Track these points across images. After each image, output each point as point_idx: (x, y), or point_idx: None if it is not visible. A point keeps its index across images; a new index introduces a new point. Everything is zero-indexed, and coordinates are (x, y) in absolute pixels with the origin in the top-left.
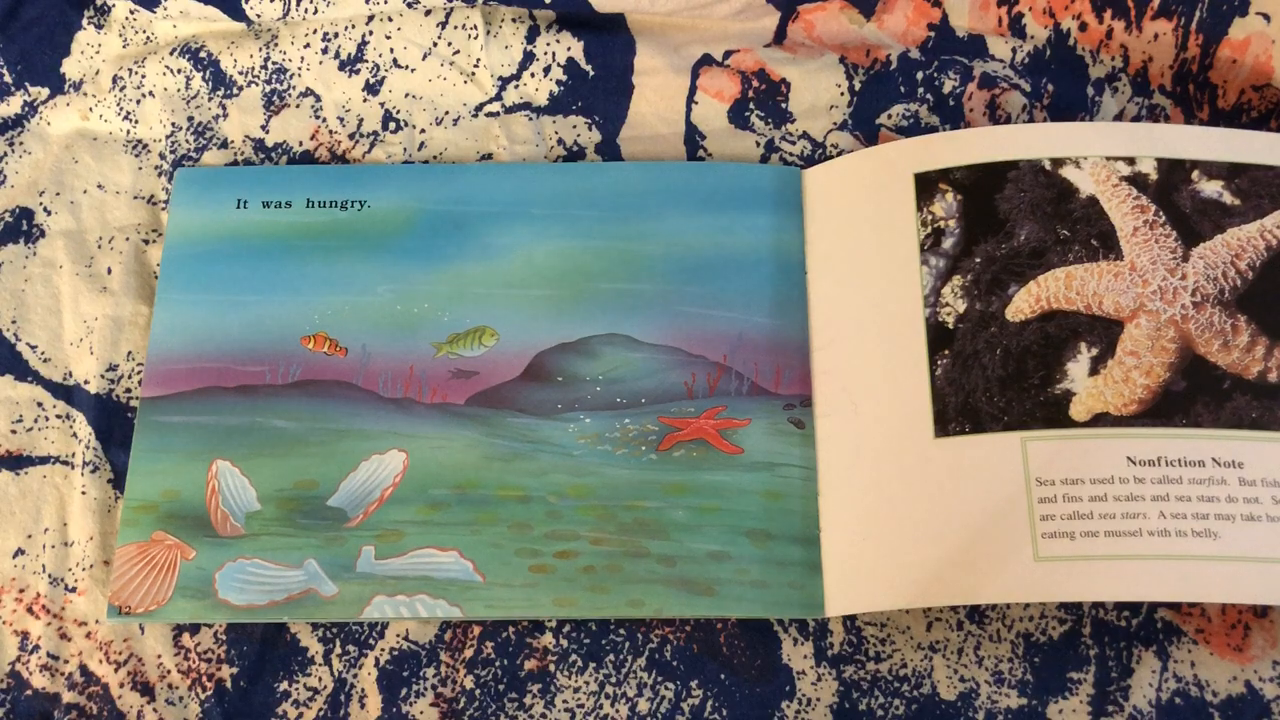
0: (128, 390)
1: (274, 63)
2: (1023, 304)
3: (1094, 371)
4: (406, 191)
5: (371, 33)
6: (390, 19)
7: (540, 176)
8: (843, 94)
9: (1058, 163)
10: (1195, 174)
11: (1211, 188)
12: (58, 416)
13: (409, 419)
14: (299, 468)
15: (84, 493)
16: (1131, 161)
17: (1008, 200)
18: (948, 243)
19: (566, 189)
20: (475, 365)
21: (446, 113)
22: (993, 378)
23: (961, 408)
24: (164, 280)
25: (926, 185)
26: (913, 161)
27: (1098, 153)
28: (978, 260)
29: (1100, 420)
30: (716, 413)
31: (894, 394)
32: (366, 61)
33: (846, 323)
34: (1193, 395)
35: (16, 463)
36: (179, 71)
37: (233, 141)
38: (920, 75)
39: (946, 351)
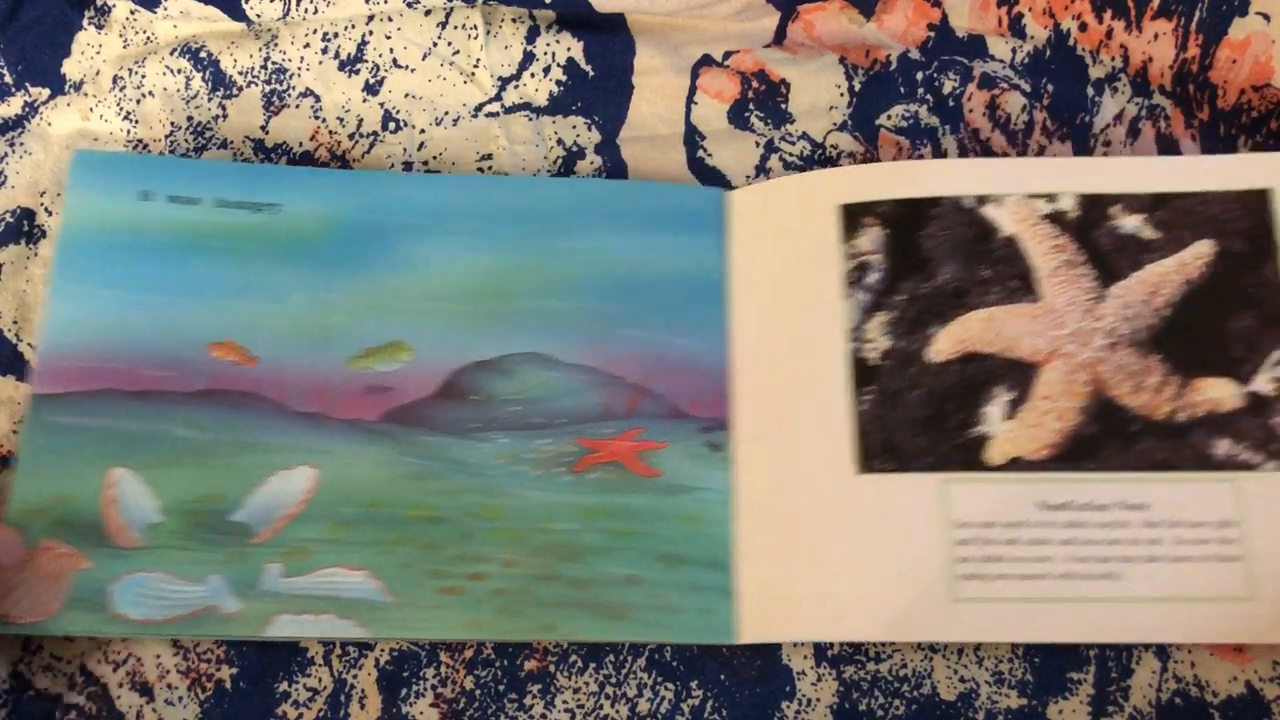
0: None
1: (274, 63)
2: (944, 344)
3: (1010, 415)
4: (323, 197)
5: (371, 33)
6: (390, 19)
7: (464, 189)
8: (842, 94)
9: (980, 200)
10: (1116, 209)
11: (1131, 222)
12: None
13: (319, 434)
14: (204, 480)
15: None
16: (1052, 199)
17: (931, 238)
18: (873, 278)
19: (490, 203)
20: (389, 381)
21: (446, 113)
22: (915, 418)
23: (885, 446)
24: (59, 269)
25: (853, 217)
26: (839, 192)
27: (1019, 190)
28: (902, 297)
29: (1014, 464)
30: (634, 435)
31: (815, 426)
32: (366, 61)
33: (768, 349)
34: (1102, 438)
35: None
36: (179, 72)
37: (232, 142)
38: (920, 76)
39: (870, 388)
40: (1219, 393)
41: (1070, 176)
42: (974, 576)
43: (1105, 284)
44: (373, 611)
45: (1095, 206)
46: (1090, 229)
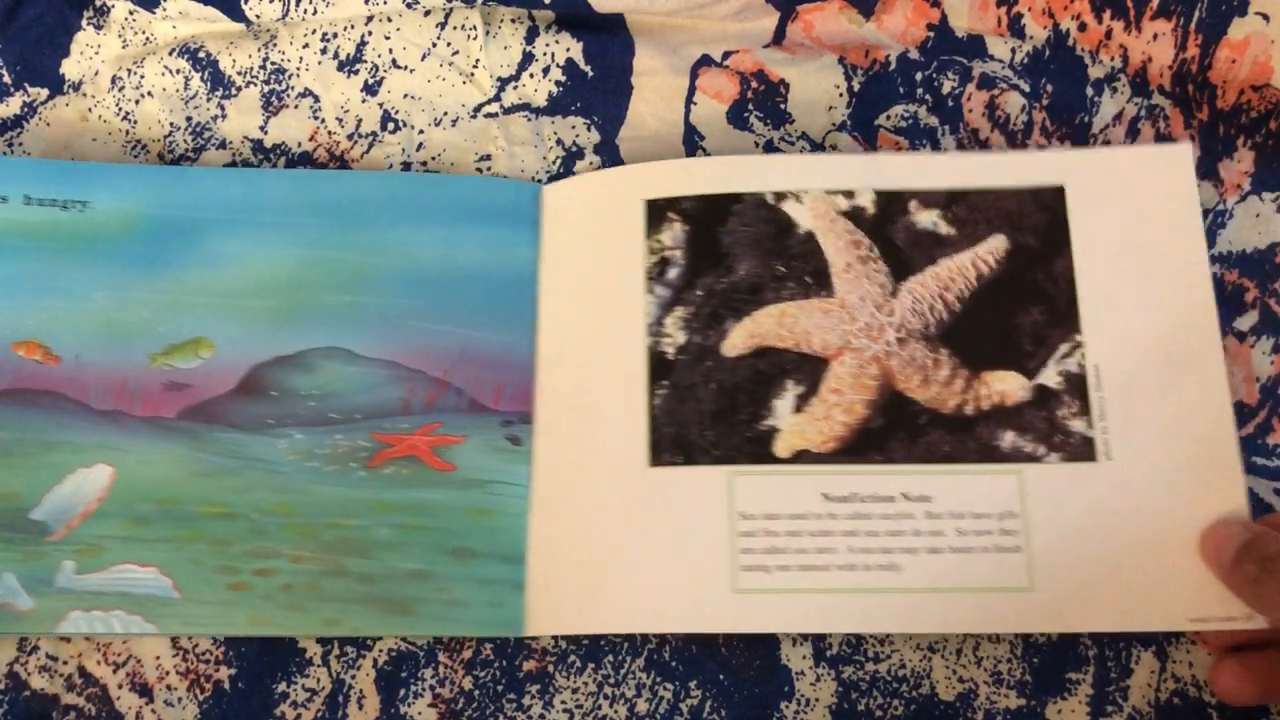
0: None
1: (273, 63)
2: (737, 339)
3: (798, 409)
4: (131, 193)
5: (370, 33)
6: (389, 19)
7: (271, 183)
8: (841, 95)
9: (780, 197)
10: (913, 204)
11: (927, 218)
12: None
13: (118, 432)
14: (4, 479)
15: None
16: (851, 195)
17: (730, 234)
18: (673, 273)
19: (298, 197)
20: (189, 378)
21: (445, 113)
22: (706, 411)
23: (675, 439)
24: None
25: (657, 212)
26: (645, 187)
27: (819, 186)
28: (699, 293)
29: (801, 457)
30: (431, 429)
31: (613, 419)
32: (365, 62)
33: (573, 343)
34: (889, 432)
35: None
36: (178, 72)
37: (231, 142)
38: (919, 76)
39: (665, 382)
40: (1006, 386)
41: (869, 173)
42: (756, 568)
43: (899, 278)
44: (161, 607)
45: (893, 202)
46: (887, 224)
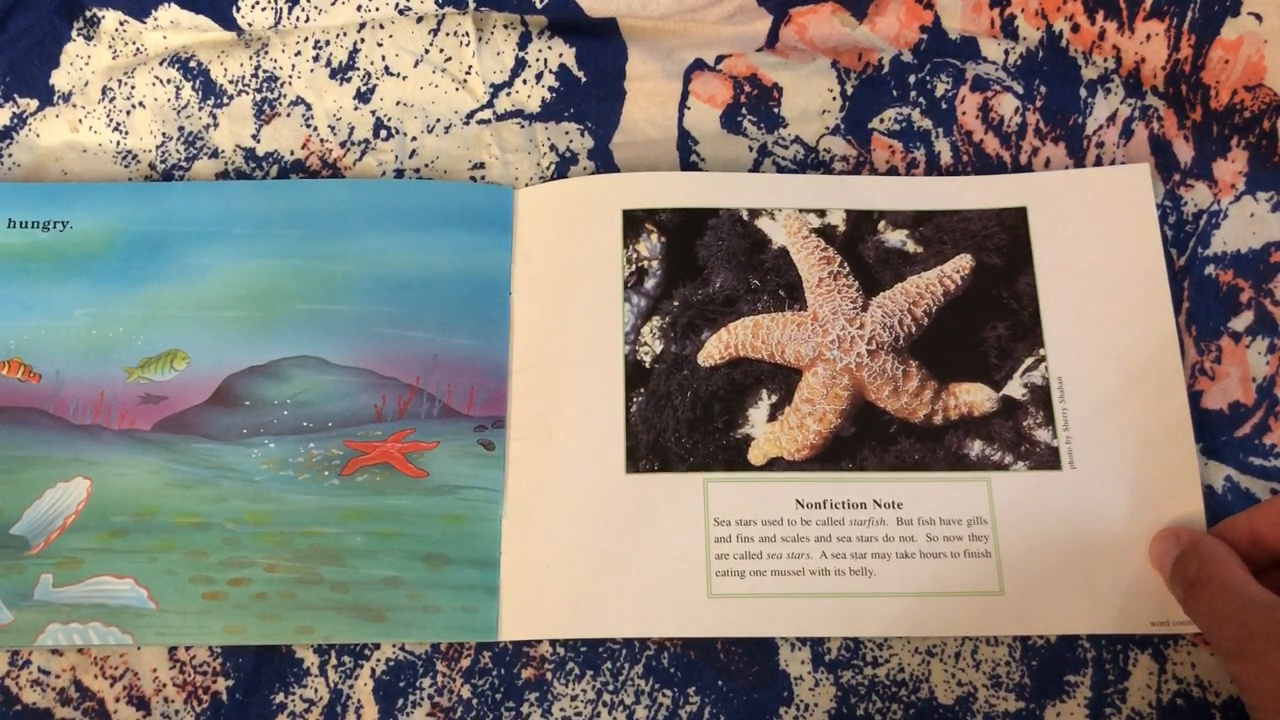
0: None
1: (264, 71)
2: (713, 350)
3: (772, 418)
4: (109, 211)
5: (363, 40)
6: (382, 26)
7: (245, 194)
8: (834, 99)
9: (755, 213)
10: (882, 224)
11: (896, 237)
12: None
13: (96, 446)
14: None
15: None
16: (822, 214)
17: (706, 247)
18: (650, 283)
19: (271, 207)
20: (165, 390)
21: (438, 120)
22: (681, 419)
23: (652, 446)
24: None
25: (634, 223)
26: (623, 197)
27: (792, 204)
28: (676, 303)
29: (775, 464)
30: (404, 436)
31: (589, 425)
32: (358, 69)
33: (548, 349)
34: (861, 440)
35: None
36: (168, 81)
37: (223, 151)
38: (913, 79)
39: (642, 390)
40: (974, 397)
41: (840, 194)
42: (730, 573)
43: (869, 294)
44: (138, 618)
45: (863, 221)
46: (857, 243)
